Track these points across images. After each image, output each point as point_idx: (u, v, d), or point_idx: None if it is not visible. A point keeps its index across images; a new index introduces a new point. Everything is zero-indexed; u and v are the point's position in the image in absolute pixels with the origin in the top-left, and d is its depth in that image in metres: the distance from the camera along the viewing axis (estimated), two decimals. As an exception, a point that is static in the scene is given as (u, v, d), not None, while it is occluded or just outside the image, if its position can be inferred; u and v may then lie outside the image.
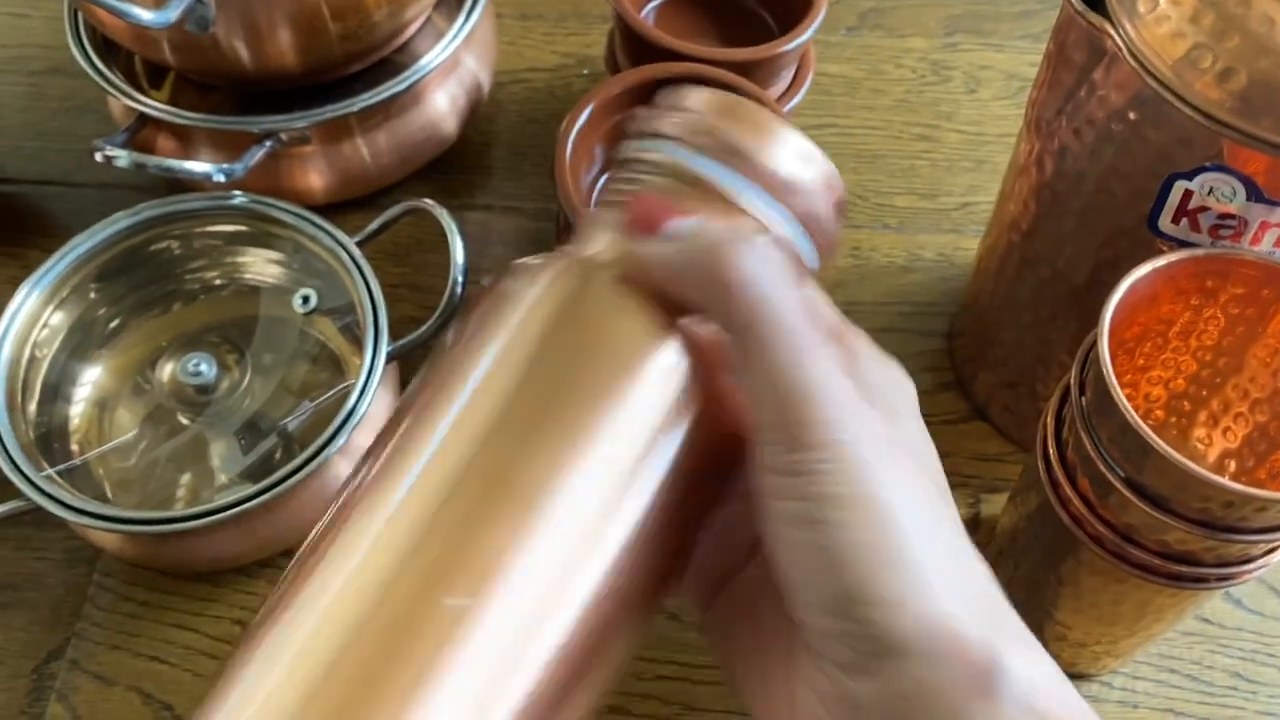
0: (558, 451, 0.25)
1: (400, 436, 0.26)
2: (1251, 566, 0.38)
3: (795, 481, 0.24)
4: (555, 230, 0.55)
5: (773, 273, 0.26)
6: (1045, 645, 0.25)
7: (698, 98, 0.30)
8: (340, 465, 0.48)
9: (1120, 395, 0.35)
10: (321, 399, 0.50)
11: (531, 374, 0.26)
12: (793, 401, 0.25)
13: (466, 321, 0.28)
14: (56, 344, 0.51)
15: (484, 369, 0.26)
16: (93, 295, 0.52)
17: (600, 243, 0.29)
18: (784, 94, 0.59)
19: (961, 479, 0.54)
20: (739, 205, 0.29)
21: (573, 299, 0.27)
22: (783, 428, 0.25)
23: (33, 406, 0.49)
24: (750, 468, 0.26)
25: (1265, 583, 0.51)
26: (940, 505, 0.26)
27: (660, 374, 0.26)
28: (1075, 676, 0.48)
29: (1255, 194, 0.37)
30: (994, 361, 0.53)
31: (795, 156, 0.30)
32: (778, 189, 0.29)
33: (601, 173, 0.55)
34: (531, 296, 0.27)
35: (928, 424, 0.29)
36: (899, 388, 0.29)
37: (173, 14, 0.47)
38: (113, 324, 0.53)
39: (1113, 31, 0.38)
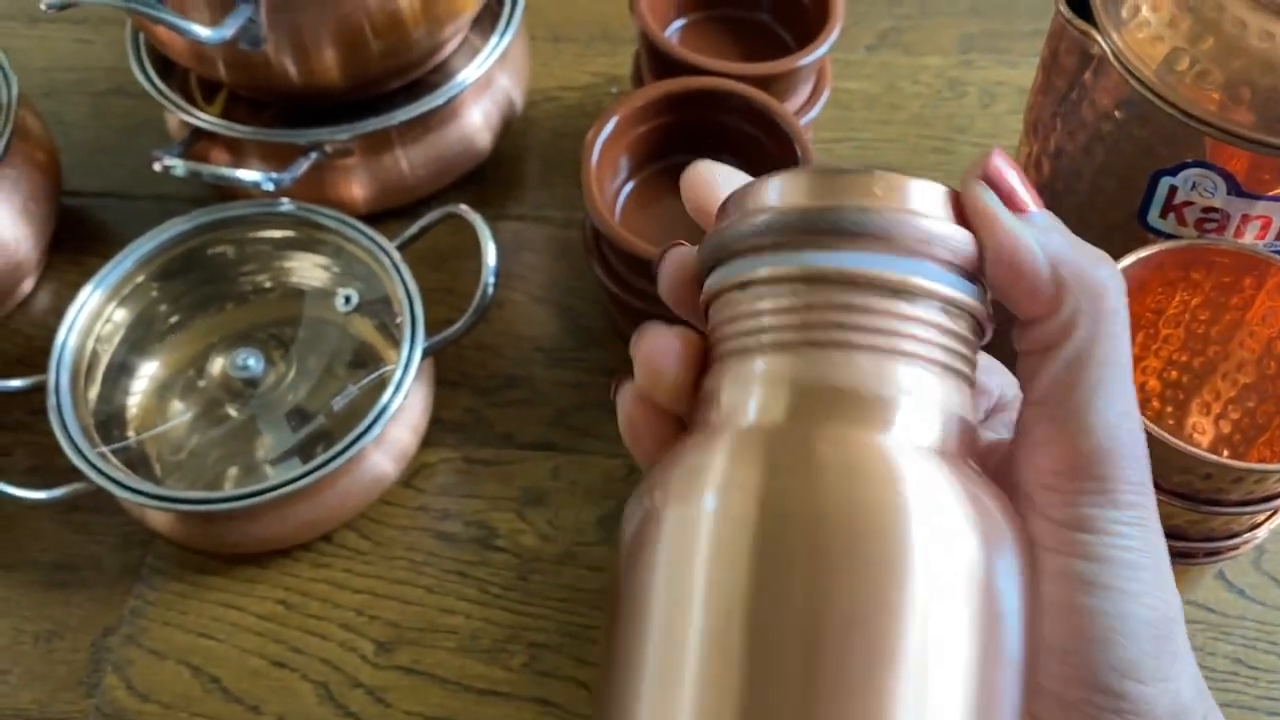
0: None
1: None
2: (1237, 541, 0.40)
3: (1089, 539, 0.22)
4: (583, 237, 0.58)
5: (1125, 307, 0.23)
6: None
7: (774, 187, 0.23)
8: (374, 454, 0.51)
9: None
10: (364, 380, 0.53)
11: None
12: (1121, 454, 0.23)
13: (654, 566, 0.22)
14: (118, 338, 0.54)
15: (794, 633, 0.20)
16: (154, 294, 0.56)
17: (749, 405, 0.22)
18: (801, 107, 0.61)
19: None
20: (906, 287, 0.22)
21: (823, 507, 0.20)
22: (1095, 480, 0.23)
23: (94, 395, 0.52)
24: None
25: (1267, 573, 0.53)
26: None
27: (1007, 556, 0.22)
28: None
29: (1235, 189, 0.40)
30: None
31: (921, 201, 0.23)
32: (935, 246, 0.22)
33: (626, 181, 0.58)
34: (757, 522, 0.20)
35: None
36: None
37: (228, 31, 0.50)
38: (171, 321, 0.56)
39: (1099, 38, 0.41)
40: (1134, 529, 0.23)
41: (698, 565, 0.21)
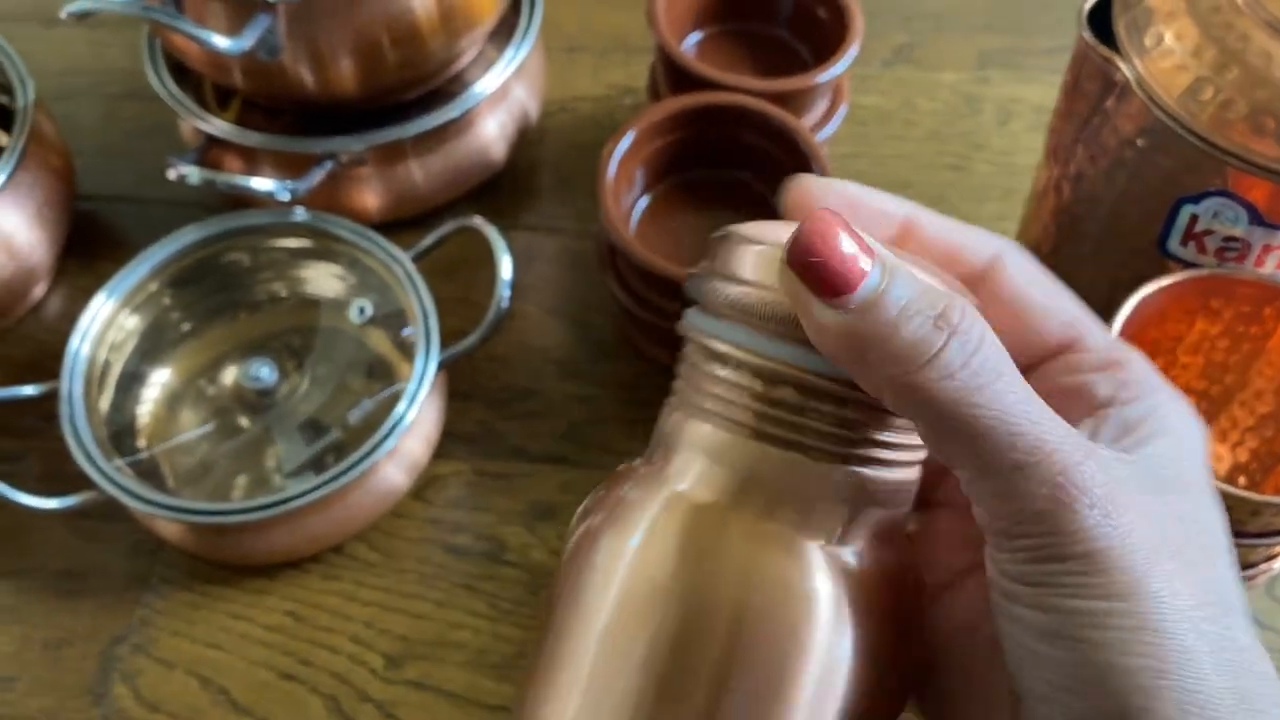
0: None
1: None
2: (1251, 572, 0.40)
3: (1043, 593, 0.21)
4: (596, 249, 0.58)
5: (980, 362, 0.21)
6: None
7: (754, 260, 0.24)
8: (387, 467, 0.51)
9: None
10: (380, 394, 0.53)
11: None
12: (1034, 510, 0.21)
13: (575, 588, 0.25)
14: (130, 347, 0.54)
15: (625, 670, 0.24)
16: (166, 302, 0.56)
17: (692, 471, 0.24)
18: (818, 124, 0.61)
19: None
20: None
21: (704, 574, 0.23)
22: (1024, 538, 0.21)
23: (106, 404, 0.52)
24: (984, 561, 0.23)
25: (1279, 599, 0.53)
26: (1220, 606, 0.21)
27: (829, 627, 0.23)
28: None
29: (1257, 219, 0.40)
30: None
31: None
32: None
33: (642, 195, 0.58)
34: (645, 568, 0.24)
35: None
36: (1174, 431, 0.23)
37: (246, 42, 0.50)
38: (183, 329, 0.56)
39: (1122, 65, 0.41)
40: (1086, 577, 0.20)
41: (607, 610, 0.24)
